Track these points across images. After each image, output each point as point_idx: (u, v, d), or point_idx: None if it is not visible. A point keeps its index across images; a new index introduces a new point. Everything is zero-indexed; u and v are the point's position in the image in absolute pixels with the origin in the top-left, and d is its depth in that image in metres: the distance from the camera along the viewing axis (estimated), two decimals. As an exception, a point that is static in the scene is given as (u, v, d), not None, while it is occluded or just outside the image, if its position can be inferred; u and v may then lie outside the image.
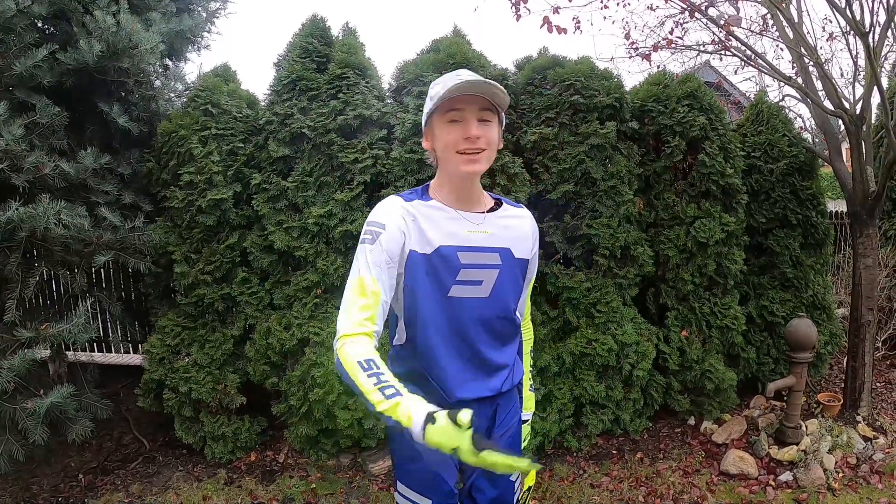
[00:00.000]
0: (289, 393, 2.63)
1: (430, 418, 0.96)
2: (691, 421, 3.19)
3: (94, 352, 3.78)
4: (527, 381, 1.49)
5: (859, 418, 3.11)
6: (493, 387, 1.27)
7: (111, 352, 3.83)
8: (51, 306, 3.27)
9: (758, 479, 2.74)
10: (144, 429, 3.23)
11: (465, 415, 0.95)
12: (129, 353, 3.81)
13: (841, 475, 2.70)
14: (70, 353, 3.21)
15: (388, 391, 1.02)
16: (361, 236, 1.19)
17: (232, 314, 2.83)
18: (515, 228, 1.29)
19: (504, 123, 1.26)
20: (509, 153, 2.67)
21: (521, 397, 1.45)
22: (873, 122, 3.61)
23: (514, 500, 1.44)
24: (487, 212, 1.26)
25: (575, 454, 2.93)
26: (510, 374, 1.31)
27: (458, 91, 1.12)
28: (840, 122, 3.23)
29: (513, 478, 1.42)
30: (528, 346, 1.49)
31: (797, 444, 2.88)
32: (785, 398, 3.12)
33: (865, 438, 2.95)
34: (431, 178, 1.29)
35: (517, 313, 1.32)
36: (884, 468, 2.72)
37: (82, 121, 2.89)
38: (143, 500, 2.58)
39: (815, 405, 3.26)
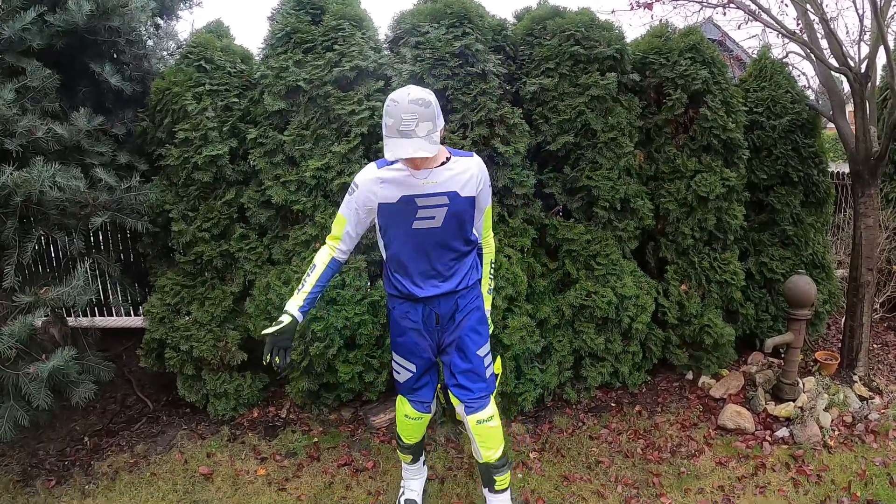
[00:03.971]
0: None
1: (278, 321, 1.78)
2: (689, 375, 3.22)
3: (95, 316, 3.78)
4: (485, 284, 2.02)
5: (856, 378, 3.14)
6: (446, 289, 1.84)
7: (112, 315, 3.84)
8: (50, 272, 3.27)
9: (754, 435, 2.77)
10: (148, 389, 3.25)
11: (269, 328, 1.77)
12: (130, 315, 3.81)
13: (837, 433, 2.73)
14: (71, 320, 3.21)
15: (297, 289, 1.83)
16: (349, 188, 1.78)
17: (231, 271, 2.83)
18: (459, 175, 1.75)
19: (443, 130, 1.76)
20: (508, 104, 2.63)
21: (485, 296, 2.01)
22: (878, 83, 3.56)
23: (486, 374, 1.95)
24: (438, 167, 1.73)
25: (574, 406, 2.96)
26: (465, 278, 1.87)
27: (400, 157, 1.60)
28: (844, 80, 3.18)
29: (480, 353, 1.93)
30: (487, 258, 2.02)
31: (794, 400, 2.91)
32: (782, 355, 3.15)
33: (861, 398, 2.98)
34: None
35: (472, 233, 1.86)
36: (879, 428, 2.75)
37: (74, 83, 2.85)
38: (148, 460, 2.61)
39: (812, 363, 3.28)
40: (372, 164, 1.77)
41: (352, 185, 1.76)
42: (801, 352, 3.00)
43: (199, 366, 2.83)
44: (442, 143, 1.77)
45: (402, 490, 2.28)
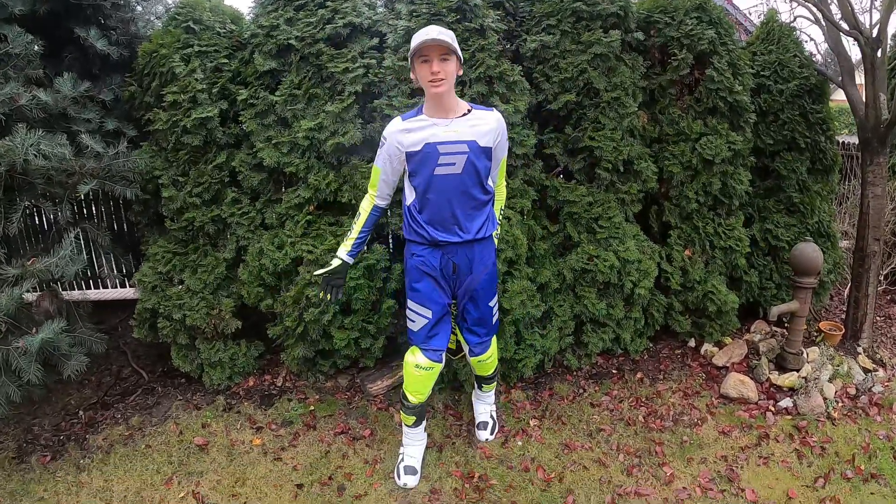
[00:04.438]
0: (284, 314, 2.59)
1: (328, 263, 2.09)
2: (692, 343, 3.17)
3: (89, 289, 3.72)
4: (496, 231, 2.18)
5: (860, 349, 3.10)
6: (465, 237, 2.00)
7: (107, 288, 3.78)
8: (38, 244, 3.20)
9: (757, 404, 2.74)
10: (143, 361, 3.21)
11: (321, 270, 2.11)
12: (124, 287, 3.75)
13: (840, 405, 2.70)
14: (64, 293, 3.15)
15: (349, 238, 2.10)
16: (380, 141, 1.98)
17: (223, 237, 2.76)
18: (479, 126, 1.92)
19: (462, 60, 1.93)
20: (507, 61, 2.54)
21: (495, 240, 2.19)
22: (888, 52, 3.47)
23: (493, 322, 2.20)
24: (459, 118, 1.91)
25: (575, 373, 2.92)
26: (482, 228, 2.02)
27: (424, 44, 1.78)
28: (854, 46, 3.09)
29: (491, 304, 2.15)
30: (498, 205, 2.20)
31: (798, 370, 2.87)
32: (786, 324, 3.10)
33: (865, 370, 2.94)
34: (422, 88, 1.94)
35: (488, 182, 2.02)
36: (882, 401, 2.72)
37: (59, 49, 2.77)
38: (143, 432, 2.57)
39: (815, 333, 3.24)
40: (397, 118, 1.97)
41: (381, 138, 1.98)
42: (805, 321, 2.96)
43: (192, 335, 2.77)
44: (462, 97, 2.03)
45: (400, 457, 2.27)
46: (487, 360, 2.25)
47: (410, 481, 2.20)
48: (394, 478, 2.24)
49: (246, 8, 2.97)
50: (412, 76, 1.91)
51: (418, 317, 2.07)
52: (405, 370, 2.13)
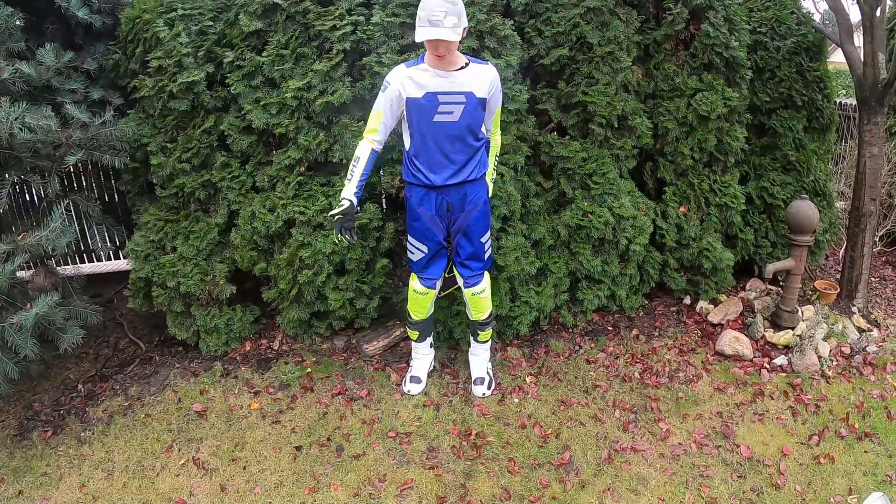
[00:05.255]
0: (278, 277, 2.58)
1: (340, 203, 2.16)
2: (687, 300, 3.18)
3: (84, 263, 3.71)
4: (490, 173, 2.34)
5: (854, 309, 3.11)
6: (458, 179, 2.17)
7: (99, 261, 3.76)
8: (28, 219, 3.17)
9: (752, 361, 2.75)
10: (140, 331, 3.21)
11: (334, 210, 2.17)
12: (118, 259, 3.74)
13: (835, 363, 2.71)
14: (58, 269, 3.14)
15: (346, 180, 2.17)
16: (382, 86, 2.09)
17: (214, 201, 2.73)
18: (476, 79, 2.07)
19: (466, 31, 2.02)
20: (499, 16, 2.48)
21: (488, 183, 2.35)
22: (887, 12, 3.41)
23: (485, 256, 2.35)
24: (457, 70, 2.06)
25: (570, 330, 2.93)
26: (474, 170, 2.19)
27: (431, 41, 1.94)
28: (853, 3, 3.04)
29: (483, 239, 2.30)
30: (493, 151, 2.34)
31: (793, 328, 2.88)
32: (781, 282, 3.10)
33: (860, 330, 2.96)
34: (414, 43, 2.22)
35: (482, 130, 2.18)
36: (876, 360, 2.74)
37: (41, 21, 2.70)
38: (142, 402, 2.58)
39: (811, 292, 3.24)
40: (402, 65, 2.10)
41: (384, 82, 2.08)
42: (801, 280, 2.96)
43: (187, 302, 2.76)
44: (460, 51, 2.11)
45: (410, 367, 2.58)
46: (481, 292, 2.38)
47: (413, 389, 2.51)
48: (401, 386, 2.55)
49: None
50: (417, 38, 1.98)
51: (416, 250, 2.31)
52: (408, 291, 2.42)
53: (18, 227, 2.80)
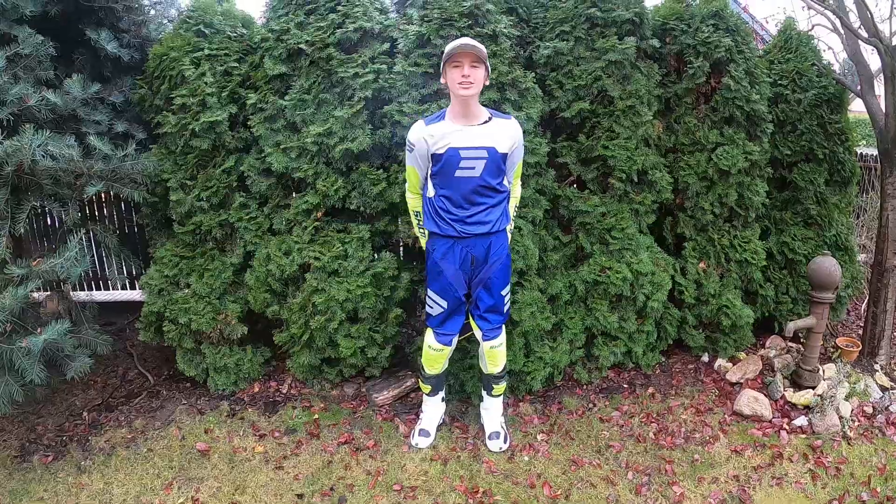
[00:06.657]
0: (290, 321, 2.56)
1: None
2: (705, 358, 3.10)
3: (99, 290, 3.73)
4: (510, 225, 2.37)
5: (877, 367, 3.01)
6: (481, 230, 2.18)
7: (117, 290, 3.78)
8: (45, 245, 3.20)
9: (771, 422, 2.66)
10: (149, 363, 3.20)
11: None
12: (133, 289, 3.75)
13: (856, 424, 2.61)
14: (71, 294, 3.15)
15: (421, 229, 2.32)
16: (407, 147, 2.17)
17: (231, 241, 2.74)
18: (498, 133, 2.10)
19: (489, 70, 2.11)
20: (520, 68, 2.50)
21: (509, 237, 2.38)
22: None
23: (504, 310, 2.35)
24: (480, 125, 2.09)
25: (585, 387, 2.86)
26: (497, 223, 2.21)
27: (458, 49, 1.96)
28: (873, 53, 3.02)
29: (503, 292, 2.30)
30: (513, 202, 2.37)
31: (814, 387, 2.78)
32: (802, 340, 3.02)
33: (882, 388, 2.85)
34: (436, 92, 2.32)
35: (504, 183, 2.20)
36: None
37: (70, 51, 2.78)
38: (146, 436, 2.55)
39: (832, 349, 3.15)
40: (420, 122, 2.13)
41: (407, 144, 2.15)
42: (822, 337, 2.88)
43: (198, 339, 2.75)
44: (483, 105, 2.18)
45: (419, 419, 2.55)
46: (499, 346, 2.36)
47: (422, 442, 2.47)
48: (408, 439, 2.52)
49: (257, 12, 2.99)
50: (442, 80, 2.07)
51: (436, 305, 2.31)
52: (423, 346, 2.41)
53: (38, 249, 2.83)
